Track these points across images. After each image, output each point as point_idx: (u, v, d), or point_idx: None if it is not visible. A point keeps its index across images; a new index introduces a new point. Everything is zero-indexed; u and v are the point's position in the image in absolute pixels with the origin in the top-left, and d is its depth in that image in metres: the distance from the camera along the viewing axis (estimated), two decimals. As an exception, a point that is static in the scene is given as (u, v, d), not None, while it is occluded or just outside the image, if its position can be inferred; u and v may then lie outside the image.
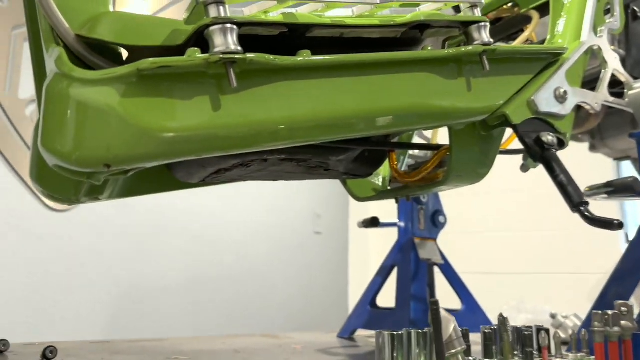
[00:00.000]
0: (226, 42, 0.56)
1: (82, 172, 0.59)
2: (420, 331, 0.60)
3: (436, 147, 0.82)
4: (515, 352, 0.65)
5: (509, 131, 0.83)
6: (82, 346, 1.18)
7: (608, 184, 0.93)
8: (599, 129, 1.26)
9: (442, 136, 0.93)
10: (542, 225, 2.70)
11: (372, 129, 0.68)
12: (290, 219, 3.00)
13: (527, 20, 1.00)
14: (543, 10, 0.99)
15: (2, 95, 2.03)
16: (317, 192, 3.10)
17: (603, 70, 0.90)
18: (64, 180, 0.73)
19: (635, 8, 1.15)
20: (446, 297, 1.26)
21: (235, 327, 2.58)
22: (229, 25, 0.56)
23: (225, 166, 0.76)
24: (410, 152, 1.00)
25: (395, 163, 0.82)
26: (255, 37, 0.63)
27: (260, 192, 2.79)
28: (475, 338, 0.66)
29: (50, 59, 0.59)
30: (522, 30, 1.00)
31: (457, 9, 0.79)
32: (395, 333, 0.59)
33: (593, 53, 0.90)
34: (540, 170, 0.79)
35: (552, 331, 0.67)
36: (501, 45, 0.74)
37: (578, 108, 0.84)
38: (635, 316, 0.64)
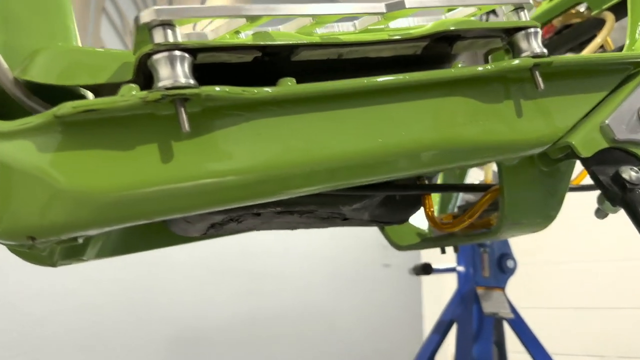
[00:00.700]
0: (174, 73, 0.43)
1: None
2: None
3: (483, 188, 0.65)
4: None
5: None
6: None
7: None
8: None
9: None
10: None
11: (385, 173, 0.52)
12: (356, 251, 2.82)
13: (601, 24, 0.82)
14: (619, 10, 0.80)
15: None
16: (384, 224, 2.92)
17: None
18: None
19: None
20: (517, 358, 1.06)
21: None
22: (177, 53, 0.43)
23: (213, 222, 0.63)
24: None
25: (431, 209, 0.66)
26: (233, 68, 0.50)
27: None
28: None
29: None
30: (595, 37, 0.81)
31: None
32: None
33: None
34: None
35: None
36: (559, 57, 0.57)
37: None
38: None
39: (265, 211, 0.60)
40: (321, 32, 0.53)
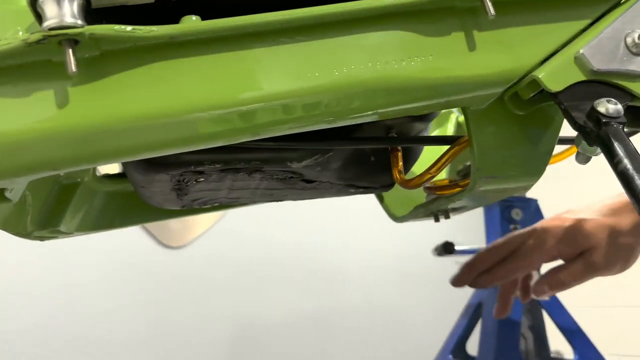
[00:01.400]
0: (60, 13, 0.42)
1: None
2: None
3: (451, 140, 0.59)
4: None
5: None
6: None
7: None
8: None
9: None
10: None
11: (311, 120, 0.48)
12: (424, 248, 2.73)
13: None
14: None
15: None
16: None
17: None
18: (4, 212, 0.64)
19: None
20: (554, 343, 0.96)
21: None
22: (62, -10, 0.42)
23: (172, 187, 0.61)
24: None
25: (400, 164, 0.60)
26: (146, 15, 0.48)
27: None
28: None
29: None
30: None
31: None
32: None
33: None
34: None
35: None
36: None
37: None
38: None
39: (204, 168, 0.57)
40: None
